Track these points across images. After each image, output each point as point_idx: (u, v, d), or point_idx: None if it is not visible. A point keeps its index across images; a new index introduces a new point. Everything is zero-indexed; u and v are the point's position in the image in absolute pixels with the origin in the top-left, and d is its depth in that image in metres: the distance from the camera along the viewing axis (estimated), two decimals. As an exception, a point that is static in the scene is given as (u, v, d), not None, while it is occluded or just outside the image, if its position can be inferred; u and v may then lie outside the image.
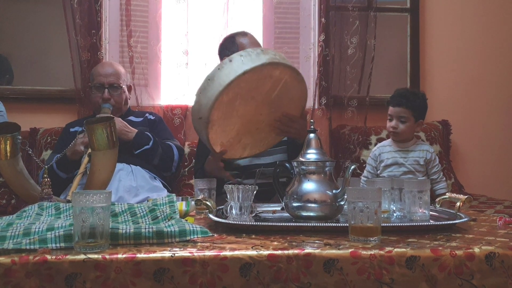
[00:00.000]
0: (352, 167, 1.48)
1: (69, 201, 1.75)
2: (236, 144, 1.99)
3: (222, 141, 1.92)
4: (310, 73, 3.29)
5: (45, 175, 1.68)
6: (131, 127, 2.44)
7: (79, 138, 2.22)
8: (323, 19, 3.20)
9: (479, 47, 3.47)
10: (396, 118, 2.40)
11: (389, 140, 2.52)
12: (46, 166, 1.71)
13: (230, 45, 2.49)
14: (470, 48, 3.47)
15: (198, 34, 3.20)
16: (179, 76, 3.13)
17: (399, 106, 2.39)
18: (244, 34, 2.53)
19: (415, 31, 3.39)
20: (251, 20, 3.27)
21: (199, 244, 1.19)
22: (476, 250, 1.14)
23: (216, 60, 2.59)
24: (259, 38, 3.18)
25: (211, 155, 2.11)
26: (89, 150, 1.97)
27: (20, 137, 1.75)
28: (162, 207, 1.41)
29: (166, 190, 2.38)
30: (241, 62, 1.71)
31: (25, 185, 1.83)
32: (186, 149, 2.96)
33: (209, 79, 1.72)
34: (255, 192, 1.48)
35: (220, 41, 2.58)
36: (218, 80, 1.70)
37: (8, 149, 1.72)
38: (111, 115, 2.38)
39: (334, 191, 1.48)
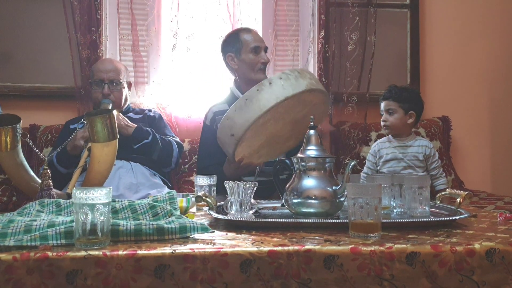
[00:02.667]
0: (352, 163, 1.48)
1: (68, 194, 1.76)
2: (255, 154, 2.02)
3: (245, 154, 1.94)
4: (310, 69, 3.28)
5: (45, 167, 1.68)
6: (130, 122, 2.45)
7: (79, 132, 2.22)
8: (322, 16, 3.19)
9: (479, 43, 3.47)
10: (385, 111, 2.47)
11: (389, 136, 2.53)
12: (46, 158, 1.71)
13: (234, 41, 2.48)
14: (470, 43, 3.46)
15: (199, 30, 3.19)
16: (180, 72, 3.13)
17: (386, 100, 2.48)
18: (248, 30, 2.52)
19: (415, 27, 3.38)
20: (251, 16, 3.26)
21: (199, 240, 1.19)
22: (477, 246, 1.14)
23: (213, 55, 2.59)
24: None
25: (228, 161, 2.12)
26: (89, 145, 1.97)
27: (20, 128, 1.75)
28: (162, 204, 1.42)
29: (166, 187, 2.39)
30: (281, 87, 1.72)
31: (25, 177, 1.83)
32: (186, 146, 2.96)
33: (247, 99, 1.73)
34: (255, 189, 1.48)
35: (216, 38, 2.58)
36: (257, 103, 1.71)
37: (8, 140, 1.72)
38: (111, 109, 2.39)
39: (334, 187, 1.49)
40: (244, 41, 2.46)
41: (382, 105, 2.48)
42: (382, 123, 2.48)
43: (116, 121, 2.03)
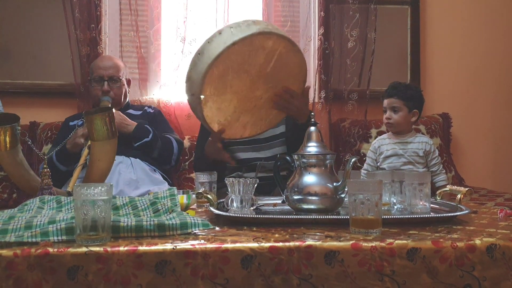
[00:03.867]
0: (353, 159, 1.48)
1: (69, 193, 1.76)
2: (235, 123, 1.92)
3: (219, 120, 1.85)
4: (310, 66, 3.28)
5: (45, 166, 1.68)
6: (130, 120, 2.45)
7: (79, 130, 2.22)
8: (322, 13, 3.19)
9: (479, 40, 3.46)
10: (389, 109, 2.46)
11: (389, 133, 2.54)
12: (46, 157, 1.71)
13: None
14: (471, 40, 3.46)
15: (199, 27, 3.19)
16: (179, 70, 3.12)
17: (390, 97, 2.46)
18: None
19: (415, 24, 3.38)
20: (251, 13, 3.26)
21: (200, 236, 1.19)
22: (477, 241, 1.14)
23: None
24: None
25: (211, 136, 2.07)
26: (89, 142, 1.97)
27: (19, 128, 1.75)
28: (163, 200, 1.42)
29: (166, 183, 2.39)
30: (230, 34, 1.63)
31: (25, 176, 1.83)
32: (186, 143, 2.96)
33: (199, 53, 1.65)
34: (255, 185, 1.48)
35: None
36: (207, 54, 1.63)
37: (7, 140, 1.72)
38: (108, 107, 2.38)
39: (334, 183, 1.48)
40: None
41: (386, 102, 2.47)
42: (385, 120, 2.48)
43: (116, 119, 2.03)
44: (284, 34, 1.77)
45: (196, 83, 1.68)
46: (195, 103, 1.73)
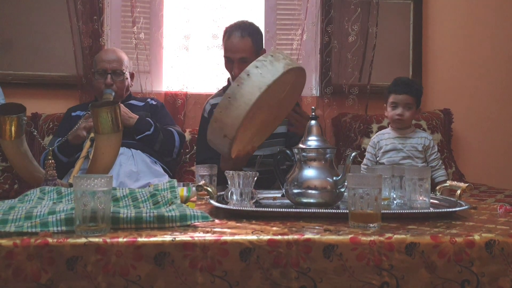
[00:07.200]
0: (353, 154, 1.48)
1: (71, 185, 1.76)
2: (248, 145, 1.99)
3: (239, 149, 1.92)
4: (311, 61, 3.27)
5: (50, 157, 1.68)
6: (132, 113, 2.44)
7: (82, 123, 2.22)
8: (323, 7, 3.18)
9: (482, 35, 3.45)
10: (402, 105, 2.43)
11: (388, 128, 2.55)
12: (50, 148, 1.71)
13: (223, 37, 2.42)
14: (473, 36, 3.45)
15: (200, 20, 3.18)
16: (180, 62, 3.11)
17: (405, 94, 2.43)
18: (230, 34, 2.35)
19: (417, 19, 3.36)
20: (253, 6, 3.26)
21: (199, 228, 1.19)
22: (476, 237, 1.14)
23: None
24: (261, 25, 3.17)
25: (223, 159, 2.10)
26: (91, 135, 1.96)
27: (25, 118, 1.75)
28: (163, 192, 1.42)
29: (167, 175, 2.39)
30: (260, 76, 1.67)
31: (28, 167, 1.83)
32: (187, 136, 2.96)
33: (230, 98, 1.68)
34: (255, 179, 1.48)
35: (217, 28, 2.51)
36: (242, 99, 1.66)
37: (13, 129, 1.72)
38: (115, 100, 2.38)
39: (334, 178, 1.49)
40: (224, 44, 2.36)
41: (399, 98, 2.42)
42: (396, 116, 2.43)
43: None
44: (298, 65, 1.82)
45: (231, 127, 1.69)
46: (225, 142, 1.76)
